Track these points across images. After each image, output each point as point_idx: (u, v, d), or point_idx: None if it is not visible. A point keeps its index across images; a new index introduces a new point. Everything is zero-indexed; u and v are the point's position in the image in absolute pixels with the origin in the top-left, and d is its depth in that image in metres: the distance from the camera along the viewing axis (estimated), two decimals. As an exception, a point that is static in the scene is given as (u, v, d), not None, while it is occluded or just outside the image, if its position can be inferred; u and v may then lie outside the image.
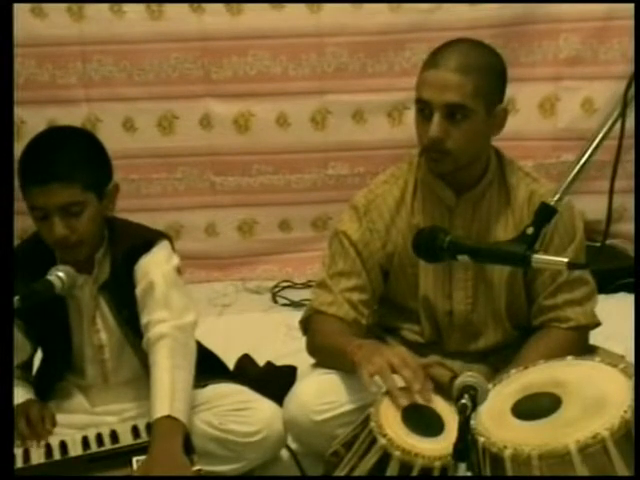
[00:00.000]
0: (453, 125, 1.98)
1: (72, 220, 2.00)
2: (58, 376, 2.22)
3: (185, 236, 3.73)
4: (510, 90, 2.09)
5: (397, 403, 1.82)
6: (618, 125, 1.77)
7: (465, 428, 1.49)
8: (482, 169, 2.11)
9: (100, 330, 2.17)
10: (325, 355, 2.15)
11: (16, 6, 3.14)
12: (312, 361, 2.24)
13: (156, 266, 2.11)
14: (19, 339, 2.13)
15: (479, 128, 2.02)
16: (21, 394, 2.14)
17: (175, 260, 2.17)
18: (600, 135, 1.78)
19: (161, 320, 2.05)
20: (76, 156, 2.02)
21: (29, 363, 2.25)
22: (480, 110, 1.99)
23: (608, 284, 3.15)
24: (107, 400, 2.21)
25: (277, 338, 3.07)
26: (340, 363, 2.06)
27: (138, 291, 2.10)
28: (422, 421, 1.81)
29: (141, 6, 3.47)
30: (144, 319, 2.07)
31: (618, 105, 1.77)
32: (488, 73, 2.01)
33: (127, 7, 3.47)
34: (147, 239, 2.16)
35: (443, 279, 2.16)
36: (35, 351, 2.24)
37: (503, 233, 2.09)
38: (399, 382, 1.87)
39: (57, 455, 2.03)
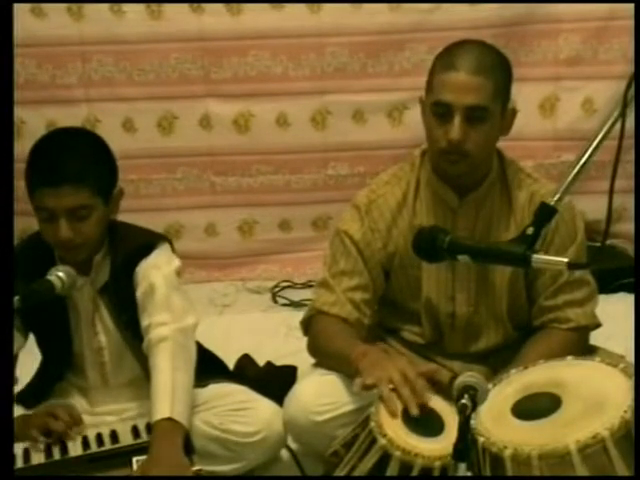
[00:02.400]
0: (472, 127, 1.98)
1: (78, 223, 2.00)
2: (58, 376, 2.22)
3: (185, 236, 3.73)
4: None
5: (390, 410, 1.82)
6: (618, 125, 1.77)
7: (465, 428, 1.49)
8: (485, 170, 2.11)
9: (99, 333, 2.17)
10: (328, 358, 2.15)
11: (16, 6, 3.13)
12: (312, 361, 2.24)
13: (157, 269, 2.11)
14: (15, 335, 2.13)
15: (495, 128, 2.03)
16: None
17: (176, 263, 2.17)
18: (600, 135, 1.78)
19: (162, 323, 2.04)
20: (87, 159, 2.02)
21: (16, 357, 2.24)
22: (497, 111, 2.01)
23: (608, 284, 3.14)
24: (107, 401, 2.21)
25: (277, 338, 3.07)
26: (343, 368, 2.05)
27: (138, 294, 2.10)
28: (422, 421, 1.81)
29: (141, 6, 3.48)
30: (145, 322, 2.07)
31: (618, 105, 1.77)
32: (502, 73, 2.03)
33: (127, 7, 3.47)
34: (147, 242, 2.16)
35: (446, 281, 2.16)
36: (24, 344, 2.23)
37: (505, 234, 2.09)
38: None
39: (57, 455, 2.03)
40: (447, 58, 2.02)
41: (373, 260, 2.17)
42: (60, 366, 2.22)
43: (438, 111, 2.01)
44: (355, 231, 2.17)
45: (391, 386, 1.86)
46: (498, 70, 2.01)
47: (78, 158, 2.01)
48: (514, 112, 2.09)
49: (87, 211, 2.00)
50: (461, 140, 1.98)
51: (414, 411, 1.82)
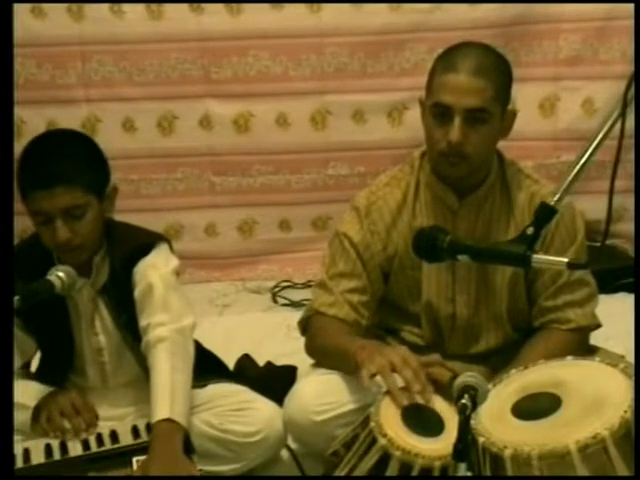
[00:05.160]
0: (472, 129, 1.98)
1: (74, 223, 2.00)
2: (61, 377, 2.21)
3: (185, 236, 3.73)
4: (510, 90, 2.09)
5: (397, 402, 1.83)
6: (618, 125, 1.76)
7: (465, 428, 1.49)
8: (485, 172, 2.11)
9: (99, 333, 2.17)
10: (326, 356, 2.15)
11: (16, 6, 3.16)
12: (312, 361, 2.24)
13: (155, 269, 2.11)
14: (22, 339, 2.14)
15: (495, 131, 2.03)
16: (41, 388, 2.15)
17: (174, 263, 2.17)
18: (600, 135, 1.78)
19: (160, 323, 2.05)
20: (77, 159, 2.03)
21: (29, 364, 2.26)
22: (497, 113, 2.00)
23: (608, 284, 3.14)
24: (107, 402, 2.20)
25: (277, 338, 3.07)
26: (342, 364, 2.05)
27: (137, 294, 2.10)
28: (422, 421, 1.81)
29: (141, 6, 3.48)
30: (143, 322, 2.07)
31: (618, 105, 1.76)
32: (503, 75, 2.02)
33: (127, 7, 3.47)
34: (146, 242, 2.16)
35: (446, 283, 2.16)
36: (37, 349, 2.24)
37: (505, 235, 2.08)
38: (399, 382, 1.87)
39: (57, 455, 2.03)
40: (447, 60, 2.01)
41: (372, 262, 2.17)
42: (63, 367, 2.21)
43: (438, 113, 2.00)
44: (354, 233, 2.16)
45: (400, 384, 1.86)
46: (498, 72, 2.01)
47: (67, 158, 2.01)
48: (514, 114, 2.08)
49: (82, 210, 2.01)
50: (461, 142, 1.98)
51: (417, 388, 1.82)
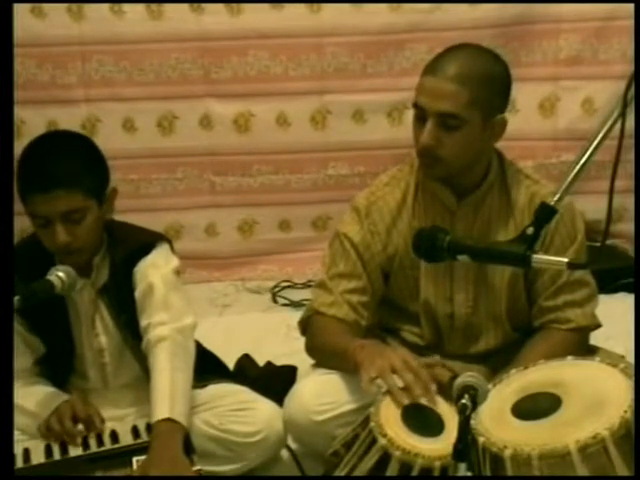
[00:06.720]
0: (446, 133, 1.97)
1: (74, 227, 2.00)
2: (63, 379, 2.21)
3: (185, 236, 3.73)
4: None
5: (398, 402, 1.83)
6: (618, 125, 1.77)
7: (465, 428, 1.49)
8: (483, 172, 2.11)
9: (100, 334, 2.17)
10: (325, 355, 2.15)
11: (16, 6, 3.15)
12: (312, 361, 2.24)
13: (155, 269, 2.11)
14: (29, 337, 2.14)
15: (473, 137, 2.01)
16: (49, 390, 2.14)
17: (174, 262, 2.17)
18: (600, 135, 1.78)
19: (161, 322, 2.05)
20: (77, 162, 2.02)
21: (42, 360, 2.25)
22: (475, 120, 1.98)
23: (608, 284, 3.14)
24: (107, 403, 2.20)
25: (277, 338, 3.07)
26: (341, 363, 2.06)
27: (137, 294, 2.10)
28: (422, 421, 1.81)
29: (141, 6, 3.48)
30: (143, 322, 2.07)
31: (618, 105, 1.77)
32: (488, 83, 1.99)
33: (127, 7, 3.47)
34: (146, 242, 2.16)
35: (444, 282, 2.15)
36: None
37: (504, 236, 2.08)
38: (400, 383, 1.87)
39: (57, 455, 2.03)
40: (433, 62, 2.01)
41: (372, 263, 2.17)
42: (64, 368, 2.21)
43: (417, 114, 2.02)
44: (355, 234, 2.16)
45: (400, 384, 1.86)
46: (481, 80, 1.97)
47: (67, 161, 2.01)
48: (504, 122, 2.05)
49: (81, 214, 2.00)
50: (433, 145, 1.98)
51: (418, 392, 1.83)
